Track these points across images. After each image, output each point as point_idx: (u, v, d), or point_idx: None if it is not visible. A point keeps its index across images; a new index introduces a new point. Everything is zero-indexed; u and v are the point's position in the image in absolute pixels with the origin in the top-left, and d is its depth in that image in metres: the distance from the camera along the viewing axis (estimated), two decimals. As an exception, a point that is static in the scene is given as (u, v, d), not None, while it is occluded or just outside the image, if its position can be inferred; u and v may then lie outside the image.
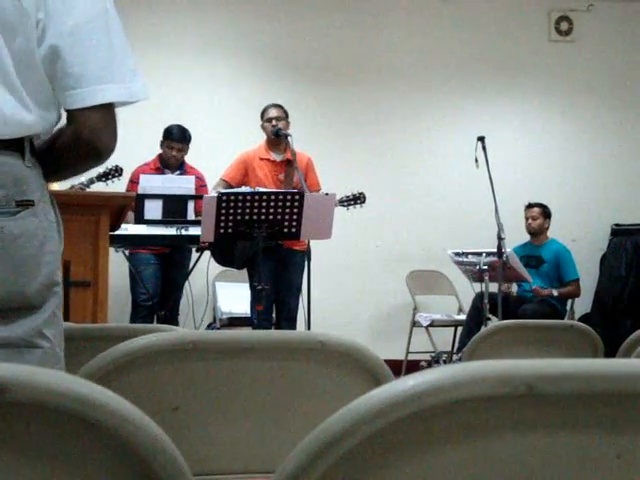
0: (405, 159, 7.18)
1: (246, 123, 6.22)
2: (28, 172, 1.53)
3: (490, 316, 5.51)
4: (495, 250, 5.36)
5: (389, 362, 1.52)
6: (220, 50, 7.01)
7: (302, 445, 0.77)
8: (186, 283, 5.91)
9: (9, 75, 1.50)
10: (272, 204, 4.55)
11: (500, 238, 5.29)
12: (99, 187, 5.43)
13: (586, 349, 2.57)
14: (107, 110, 1.57)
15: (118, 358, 1.39)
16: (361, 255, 7.00)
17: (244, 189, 4.84)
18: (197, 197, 5.39)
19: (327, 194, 4.79)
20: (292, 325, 5.32)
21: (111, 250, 3.95)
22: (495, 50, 7.33)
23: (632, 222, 7.19)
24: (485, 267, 5.49)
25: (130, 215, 4.94)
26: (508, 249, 5.48)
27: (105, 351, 1.41)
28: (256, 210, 4.53)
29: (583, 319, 6.68)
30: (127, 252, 5.82)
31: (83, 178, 5.31)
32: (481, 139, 5.45)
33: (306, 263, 5.21)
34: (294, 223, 4.59)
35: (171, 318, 5.72)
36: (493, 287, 5.46)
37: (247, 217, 4.53)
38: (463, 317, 6.35)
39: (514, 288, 6.41)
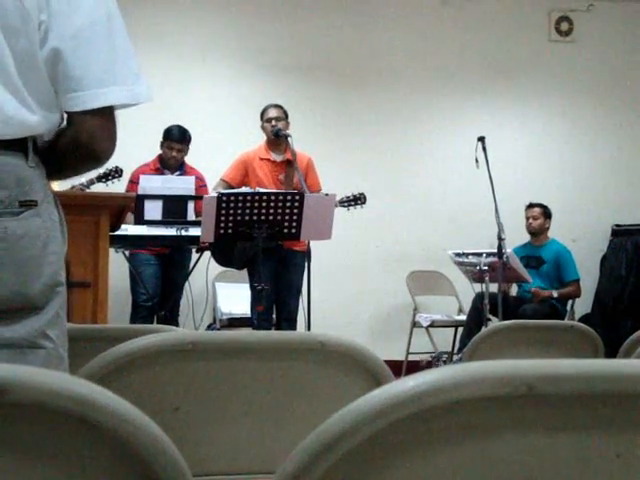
0: (405, 160, 7.18)
1: (246, 123, 6.22)
2: (31, 172, 1.53)
3: (490, 316, 5.51)
4: (495, 250, 5.37)
5: (389, 362, 1.52)
6: (220, 50, 7.02)
7: (302, 445, 0.77)
8: (186, 283, 5.91)
9: (11, 76, 1.50)
10: (272, 205, 4.55)
11: (500, 238, 5.29)
12: (99, 188, 5.43)
13: (586, 350, 2.57)
14: (107, 114, 1.57)
15: (118, 358, 1.39)
16: (361, 256, 7.00)
17: (244, 189, 4.84)
18: (197, 197, 5.39)
19: (327, 195, 4.79)
20: (292, 326, 5.32)
21: (111, 250, 3.95)
22: (495, 51, 7.33)
23: (632, 222, 7.19)
24: (485, 267, 5.49)
25: (130, 216, 4.94)
26: (508, 249, 5.48)
27: (105, 352, 1.41)
28: (256, 210, 4.53)
29: (583, 319, 6.68)
30: (127, 252, 5.81)
31: (83, 179, 5.31)
32: (481, 139, 5.45)
33: (306, 264, 5.21)
34: (294, 224, 4.59)
35: (171, 318, 5.72)
36: (493, 287, 5.47)
37: (247, 217, 4.53)
38: (463, 317, 6.35)
39: (513, 289, 6.42)
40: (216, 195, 4.56)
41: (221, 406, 1.45)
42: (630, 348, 2.38)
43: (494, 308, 5.39)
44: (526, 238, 6.59)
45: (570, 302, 6.63)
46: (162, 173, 5.89)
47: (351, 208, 5.60)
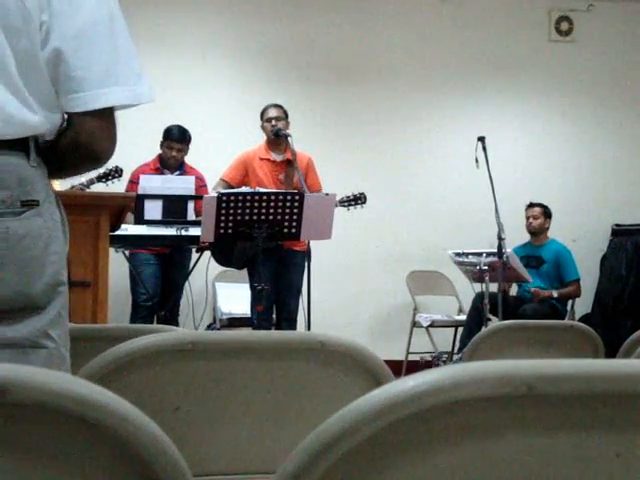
0: (405, 159, 7.18)
1: (246, 123, 6.22)
2: (33, 172, 1.53)
3: (490, 316, 5.51)
4: (495, 250, 5.36)
5: (389, 362, 1.52)
6: (220, 50, 7.02)
7: (302, 445, 0.77)
8: (186, 283, 5.91)
9: (12, 76, 1.50)
10: (272, 204, 4.55)
11: (500, 238, 5.29)
12: (99, 187, 5.43)
13: (586, 349, 2.57)
14: (106, 114, 1.57)
15: (118, 358, 1.39)
16: (361, 255, 7.00)
17: (244, 189, 4.84)
18: (197, 197, 5.39)
19: (327, 194, 4.79)
20: (292, 325, 5.32)
21: (111, 250, 3.95)
22: (495, 50, 7.33)
23: (632, 222, 7.19)
24: (485, 267, 5.49)
25: (130, 216, 4.94)
26: (508, 249, 5.48)
27: (105, 351, 1.41)
28: (256, 210, 4.53)
29: (583, 319, 6.68)
30: (127, 252, 5.81)
31: (83, 179, 5.31)
32: (481, 139, 5.45)
33: (306, 263, 5.21)
34: (294, 223, 4.59)
35: (171, 318, 5.72)
36: (493, 287, 5.47)
37: (247, 217, 4.53)
38: (463, 317, 6.34)
39: (513, 289, 6.42)
40: (216, 195, 4.56)
41: (221, 406, 1.45)
42: (630, 348, 2.38)
43: (494, 308, 5.39)
44: (526, 238, 6.58)
45: (570, 302, 6.62)
46: (162, 173, 5.89)
47: (351, 208, 5.60)
